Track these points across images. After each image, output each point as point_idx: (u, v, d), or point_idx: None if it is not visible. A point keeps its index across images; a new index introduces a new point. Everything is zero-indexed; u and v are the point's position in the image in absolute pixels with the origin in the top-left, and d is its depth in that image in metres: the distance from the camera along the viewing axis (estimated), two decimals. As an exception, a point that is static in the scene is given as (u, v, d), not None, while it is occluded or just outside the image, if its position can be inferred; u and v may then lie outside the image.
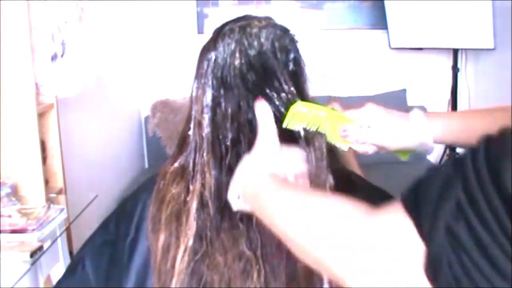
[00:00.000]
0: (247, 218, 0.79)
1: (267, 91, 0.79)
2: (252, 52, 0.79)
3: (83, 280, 0.89)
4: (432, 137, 0.83)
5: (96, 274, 0.89)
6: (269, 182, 0.71)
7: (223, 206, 0.79)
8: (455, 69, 3.33)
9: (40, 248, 1.52)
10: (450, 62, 3.36)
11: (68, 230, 1.87)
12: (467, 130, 0.82)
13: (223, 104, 0.79)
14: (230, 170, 0.78)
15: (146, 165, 3.62)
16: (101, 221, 0.95)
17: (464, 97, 3.53)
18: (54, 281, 1.79)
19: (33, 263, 1.51)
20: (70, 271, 0.93)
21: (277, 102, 0.79)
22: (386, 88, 3.55)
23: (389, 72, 3.61)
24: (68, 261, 1.86)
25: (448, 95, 3.44)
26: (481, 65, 3.44)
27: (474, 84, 3.53)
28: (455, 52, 3.31)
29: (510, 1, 2.89)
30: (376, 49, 3.58)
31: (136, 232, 0.88)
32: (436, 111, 0.84)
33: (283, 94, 0.79)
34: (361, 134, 0.84)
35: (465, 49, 3.37)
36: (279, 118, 0.78)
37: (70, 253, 1.91)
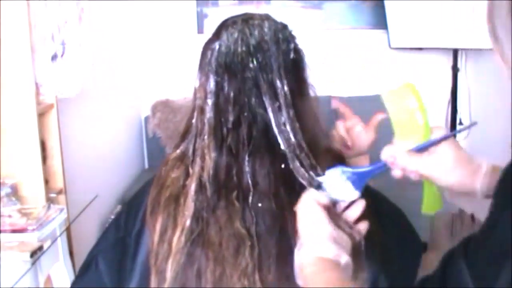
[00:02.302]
0: (243, 197, 0.81)
1: (267, 76, 0.82)
2: (254, 40, 0.83)
3: (97, 278, 0.91)
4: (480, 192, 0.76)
5: (109, 271, 0.91)
6: (316, 261, 0.70)
7: (221, 186, 0.82)
8: (455, 69, 3.33)
9: (40, 248, 1.52)
10: (450, 62, 3.36)
11: (68, 230, 1.87)
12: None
13: (226, 89, 0.83)
14: (230, 152, 0.81)
15: (146, 166, 3.62)
16: (113, 219, 0.97)
17: (464, 97, 3.53)
18: (54, 281, 1.79)
19: (33, 263, 1.51)
20: (84, 270, 0.95)
21: (268, 91, 0.81)
22: (386, 88, 3.54)
23: (389, 72, 3.61)
24: (68, 261, 1.86)
25: (448, 95, 3.43)
26: (481, 65, 3.44)
27: (474, 84, 3.53)
28: (455, 52, 3.31)
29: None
30: (376, 49, 3.57)
31: (141, 224, 0.89)
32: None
33: (278, 83, 0.82)
34: (411, 163, 0.80)
35: (465, 49, 3.37)
36: (273, 108, 0.81)
37: (70, 253, 1.91)
